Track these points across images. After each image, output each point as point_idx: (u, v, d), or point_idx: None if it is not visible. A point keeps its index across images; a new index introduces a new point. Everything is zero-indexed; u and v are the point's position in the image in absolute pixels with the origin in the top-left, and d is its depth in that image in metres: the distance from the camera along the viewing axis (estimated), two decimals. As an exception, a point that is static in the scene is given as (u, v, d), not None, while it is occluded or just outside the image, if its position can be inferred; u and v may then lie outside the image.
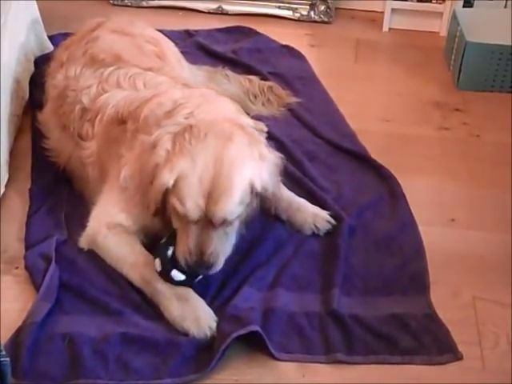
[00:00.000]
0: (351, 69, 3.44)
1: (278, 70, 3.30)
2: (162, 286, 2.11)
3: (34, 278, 2.21)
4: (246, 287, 2.18)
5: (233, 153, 2.05)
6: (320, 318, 2.12)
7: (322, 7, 3.75)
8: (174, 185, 2.03)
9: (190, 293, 2.11)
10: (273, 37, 3.56)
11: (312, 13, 3.77)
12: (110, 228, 2.25)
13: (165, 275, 2.11)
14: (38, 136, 2.69)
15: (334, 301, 2.15)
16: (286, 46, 3.50)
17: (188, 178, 2.02)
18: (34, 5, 3.17)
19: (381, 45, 3.68)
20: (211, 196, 2.01)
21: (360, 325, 2.11)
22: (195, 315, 2.06)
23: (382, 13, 3.74)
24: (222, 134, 2.06)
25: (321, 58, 3.49)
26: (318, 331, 2.09)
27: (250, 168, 2.08)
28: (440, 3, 3.68)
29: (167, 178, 2.03)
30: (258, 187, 2.10)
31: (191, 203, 2.01)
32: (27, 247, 2.32)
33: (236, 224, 2.13)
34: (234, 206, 2.04)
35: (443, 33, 3.67)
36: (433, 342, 2.07)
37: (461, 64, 3.25)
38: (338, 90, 3.19)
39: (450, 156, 2.87)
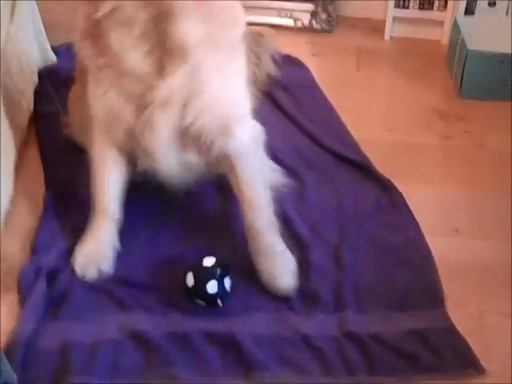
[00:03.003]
0: (353, 77, 3.44)
1: (279, 78, 3.29)
2: None
3: (22, 289, 2.19)
4: None
5: None
6: (336, 340, 2.06)
7: (323, 16, 3.76)
8: None
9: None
10: (274, 46, 3.57)
11: (313, 22, 3.77)
12: (94, 131, 2.23)
13: (199, 289, 2.11)
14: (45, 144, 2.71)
15: (350, 322, 2.11)
16: (287, 55, 3.50)
17: None
18: (37, 16, 3.18)
19: (382, 53, 3.68)
20: None
21: (379, 343, 2.05)
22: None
23: (384, 21, 3.74)
24: None
25: (322, 66, 3.49)
26: (337, 353, 2.03)
27: None
28: (441, 11, 3.69)
29: None
30: None
31: None
32: (30, 259, 2.30)
33: None
34: None
35: (445, 41, 3.68)
36: (453, 357, 2.03)
37: (462, 72, 3.25)
38: (340, 99, 3.19)
39: (452, 165, 2.87)
